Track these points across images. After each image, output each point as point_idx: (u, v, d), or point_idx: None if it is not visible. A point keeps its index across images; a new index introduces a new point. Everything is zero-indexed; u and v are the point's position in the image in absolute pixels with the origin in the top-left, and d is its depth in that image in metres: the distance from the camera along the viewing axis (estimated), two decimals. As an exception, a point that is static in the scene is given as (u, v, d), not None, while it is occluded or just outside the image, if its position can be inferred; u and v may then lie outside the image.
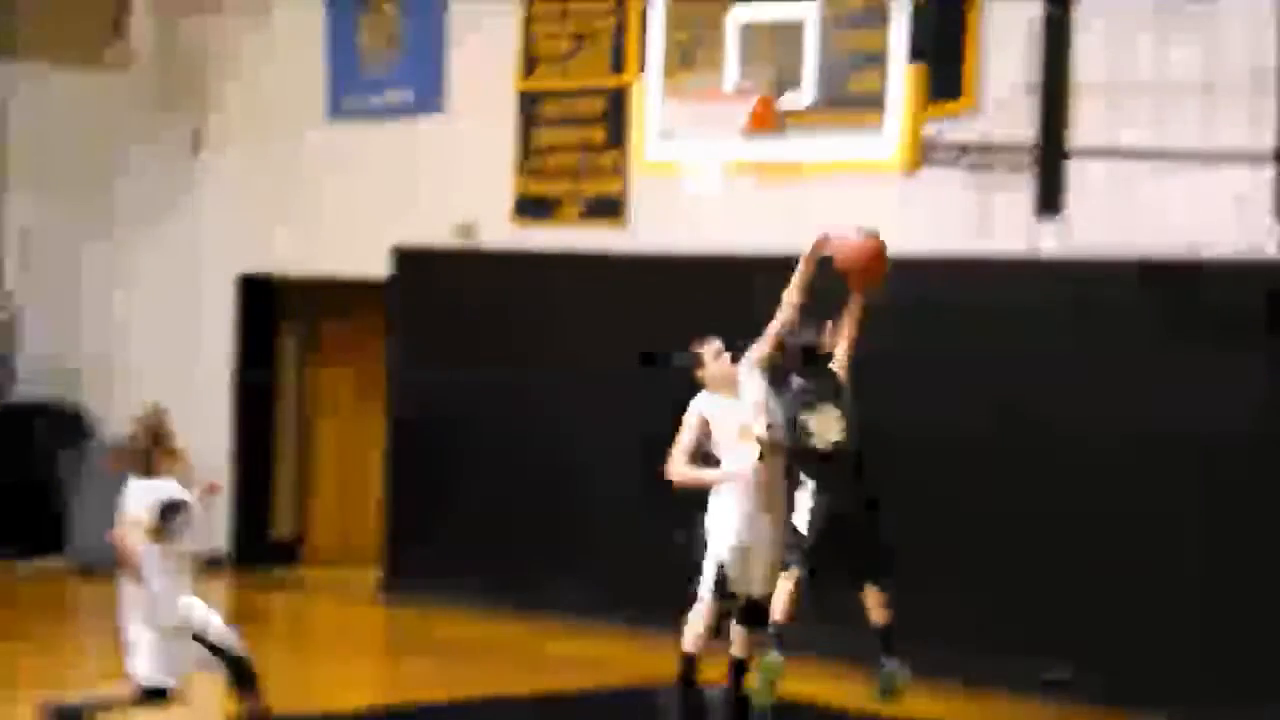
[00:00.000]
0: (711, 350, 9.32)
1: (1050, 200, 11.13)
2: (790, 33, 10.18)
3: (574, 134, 13.31)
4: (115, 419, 15.76)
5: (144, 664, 8.38)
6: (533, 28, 13.52)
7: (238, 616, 14.13)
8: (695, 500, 9.31)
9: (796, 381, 9.18)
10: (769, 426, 9.05)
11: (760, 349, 9.14)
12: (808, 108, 10.18)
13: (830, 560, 9.00)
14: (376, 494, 14.48)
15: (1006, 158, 10.82)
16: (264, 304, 15.38)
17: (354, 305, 15.22)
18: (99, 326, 16.02)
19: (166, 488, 8.42)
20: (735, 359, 9.23)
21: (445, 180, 13.97)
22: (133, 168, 15.81)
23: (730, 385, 9.18)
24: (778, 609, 8.98)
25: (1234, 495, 10.37)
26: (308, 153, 14.84)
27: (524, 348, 13.46)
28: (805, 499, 9.06)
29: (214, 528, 15.28)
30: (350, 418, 15.50)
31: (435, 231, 13.94)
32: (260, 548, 15.32)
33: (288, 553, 15.45)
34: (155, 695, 8.34)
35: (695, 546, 9.26)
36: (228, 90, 15.33)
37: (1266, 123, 10.35)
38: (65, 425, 15.53)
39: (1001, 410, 11.17)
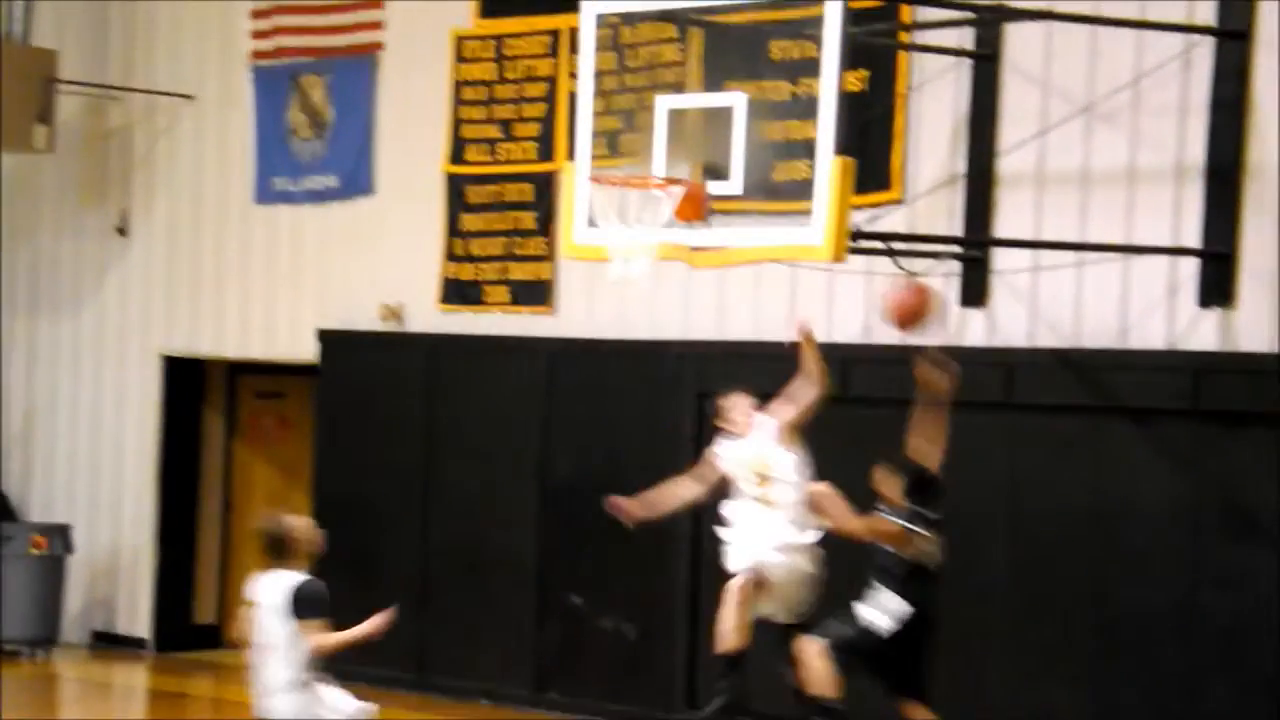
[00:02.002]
0: (743, 405, 10.00)
1: (975, 288, 11.25)
2: (718, 121, 10.24)
3: (502, 219, 13.33)
4: (37, 501, 15.62)
5: None
6: (461, 112, 13.56)
7: (158, 701, 14.08)
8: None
9: (909, 500, 9.40)
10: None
11: (789, 415, 9.80)
12: (735, 196, 10.24)
13: (884, 666, 9.19)
14: (301, 578, 14.34)
15: (931, 246, 10.92)
16: (189, 385, 15.28)
17: (280, 387, 15.15)
18: (20, 408, 15.88)
19: (299, 581, 8.29)
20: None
21: (373, 263, 13.96)
22: (60, 249, 15.72)
23: (743, 428, 9.99)
24: (821, 684, 9.20)
25: (1158, 578, 10.39)
26: (235, 235, 14.80)
27: (449, 431, 13.43)
28: (889, 601, 9.20)
29: (136, 611, 15.16)
30: (274, 500, 15.39)
31: (362, 315, 13.92)
32: (182, 632, 15.16)
33: (210, 637, 15.28)
34: None
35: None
36: (156, 172, 15.28)
37: (1190, 214, 10.49)
38: (-16, 507, 15.38)
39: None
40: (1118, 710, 10.49)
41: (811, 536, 9.80)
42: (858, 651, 9.25)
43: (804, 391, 9.85)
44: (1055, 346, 10.91)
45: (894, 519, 9.33)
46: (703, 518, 12.13)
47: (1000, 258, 11.10)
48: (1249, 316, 10.36)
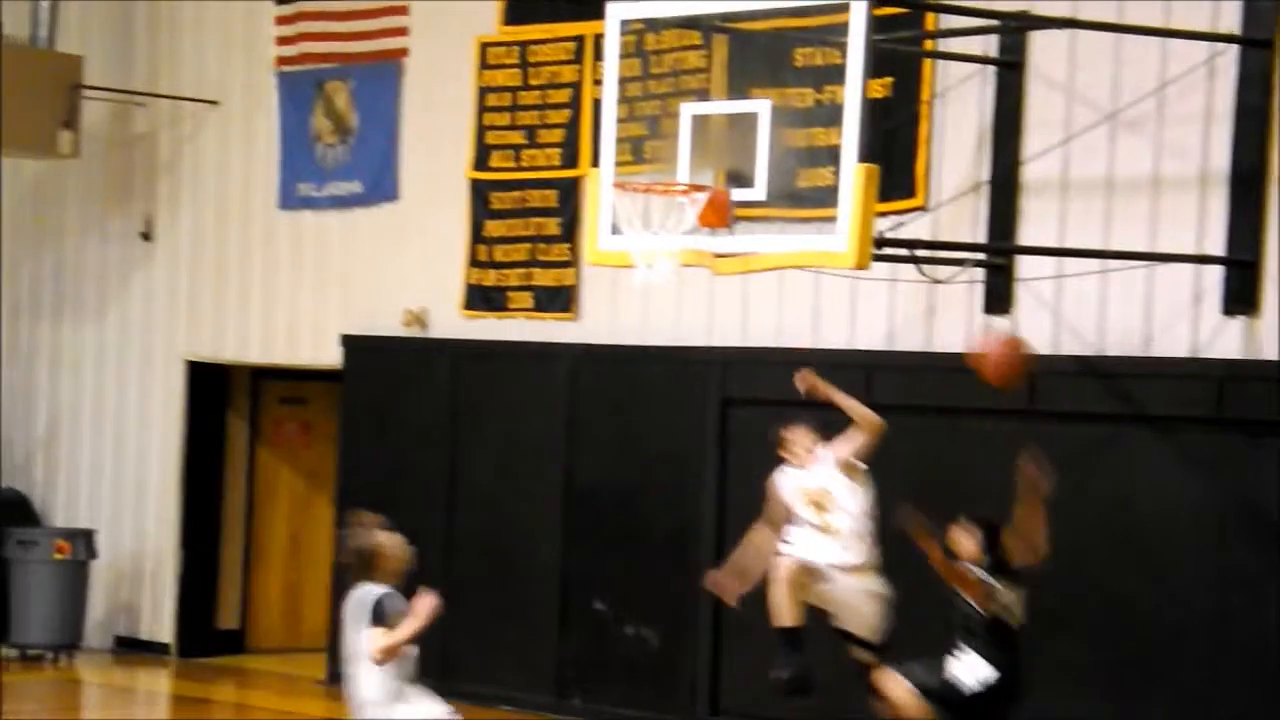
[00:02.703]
0: (806, 437, 9.98)
1: (999, 296, 11.23)
2: (742, 128, 10.24)
3: (525, 225, 13.35)
4: (61, 506, 15.67)
5: None
6: (485, 119, 13.58)
7: (180, 707, 14.11)
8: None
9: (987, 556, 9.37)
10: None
11: (847, 450, 9.88)
12: (759, 202, 10.24)
13: None
14: (324, 583, 14.39)
15: (956, 254, 10.92)
16: (213, 390, 15.32)
17: (303, 393, 15.19)
18: (45, 413, 15.93)
19: (380, 593, 8.34)
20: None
21: (397, 269, 13.98)
22: (84, 254, 15.78)
23: (805, 459, 10.00)
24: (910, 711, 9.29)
25: (1183, 587, 10.38)
26: (259, 240, 14.84)
27: (473, 437, 13.45)
28: (977, 665, 9.21)
29: (159, 616, 15.19)
30: (298, 506, 15.44)
31: (386, 320, 13.94)
32: (205, 637, 15.18)
33: (233, 642, 15.31)
34: None
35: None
36: (181, 177, 15.33)
37: (1215, 221, 10.47)
38: (9, 512, 15.40)
39: (949, 501, 11.20)
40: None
41: (867, 559, 9.82)
42: (939, 703, 9.21)
43: (857, 432, 9.94)
44: (1079, 354, 10.89)
45: (974, 571, 9.27)
46: (726, 524, 12.15)
47: (1024, 265, 11.09)
48: (1273, 324, 10.34)
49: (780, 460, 10.10)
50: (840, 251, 10.29)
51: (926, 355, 11.45)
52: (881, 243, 10.19)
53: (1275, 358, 10.31)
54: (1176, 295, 10.63)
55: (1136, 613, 10.38)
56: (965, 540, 9.41)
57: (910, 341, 11.54)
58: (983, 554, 9.33)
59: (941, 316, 11.42)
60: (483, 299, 13.57)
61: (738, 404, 12.23)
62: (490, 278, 13.54)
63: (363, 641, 8.23)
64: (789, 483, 10.04)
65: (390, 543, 8.44)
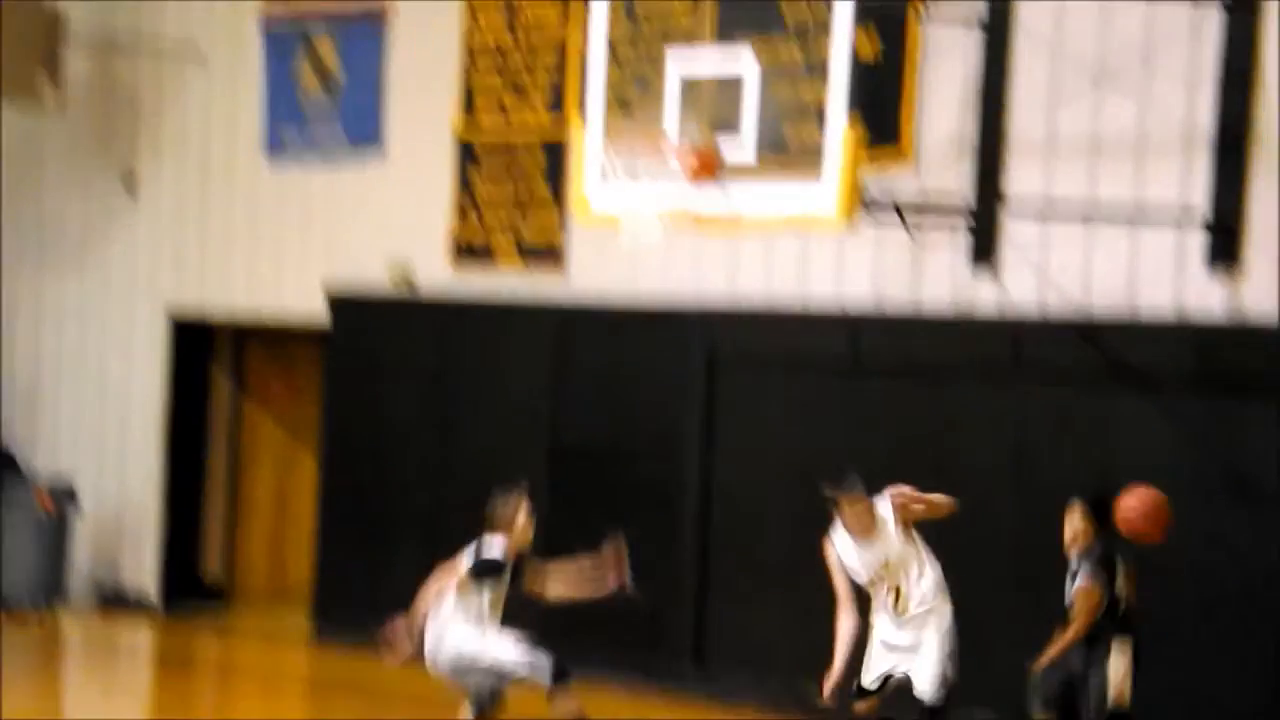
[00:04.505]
0: (852, 500, 9.13)
1: (984, 255, 11.28)
2: (730, 84, 10.25)
3: (513, 181, 13.34)
4: (44, 460, 15.66)
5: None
6: (472, 74, 13.56)
7: (164, 659, 14.13)
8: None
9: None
10: None
11: (902, 509, 9.15)
12: (746, 159, 10.25)
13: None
14: (307, 536, 14.42)
15: (942, 212, 10.95)
16: (197, 344, 15.31)
17: (288, 346, 15.18)
18: (27, 367, 15.91)
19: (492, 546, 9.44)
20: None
21: (382, 223, 13.97)
22: (66, 207, 15.74)
23: (866, 530, 9.12)
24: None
25: (1169, 544, 10.41)
26: (243, 195, 14.81)
27: (459, 394, 13.47)
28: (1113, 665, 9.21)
29: (142, 569, 15.21)
30: (282, 459, 15.44)
31: (371, 274, 13.94)
32: (189, 589, 15.22)
33: (217, 595, 15.35)
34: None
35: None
36: (164, 131, 15.28)
37: (1198, 182, 10.52)
38: (-8, 466, 15.41)
39: (935, 460, 11.27)
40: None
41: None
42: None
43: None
44: (1063, 313, 10.94)
45: (1089, 578, 9.17)
46: (712, 483, 12.20)
47: (1010, 223, 11.13)
48: (1256, 285, 10.40)
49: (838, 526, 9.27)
50: (827, 209, 10.36)
51: (913, 314, 11.49)
52: (868, 200, 10.23)
53: (1257, 318, 10.37)
54: (1160, 255, 10.69)
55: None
56: (1081, 524, 9.28)
57: (897, 300, 11.58)
58: (1096, 537, 9.28)
59: (928, 275, 11.46)
60: (469, 255, 13.57)
61: (725, 362, 12.26)
62: (477, 234, 13.54)
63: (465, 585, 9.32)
64: (857, 563, 9.16)
65: (524, 522, 9.45)
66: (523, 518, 9.47)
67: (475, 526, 13.18)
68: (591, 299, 12.88)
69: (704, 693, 12.09)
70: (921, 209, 10.90)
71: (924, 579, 9.13)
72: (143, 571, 15.22)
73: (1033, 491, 10.89)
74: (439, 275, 13.69)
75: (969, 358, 11.19)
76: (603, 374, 12.84)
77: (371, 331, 13.96)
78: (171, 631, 14.49)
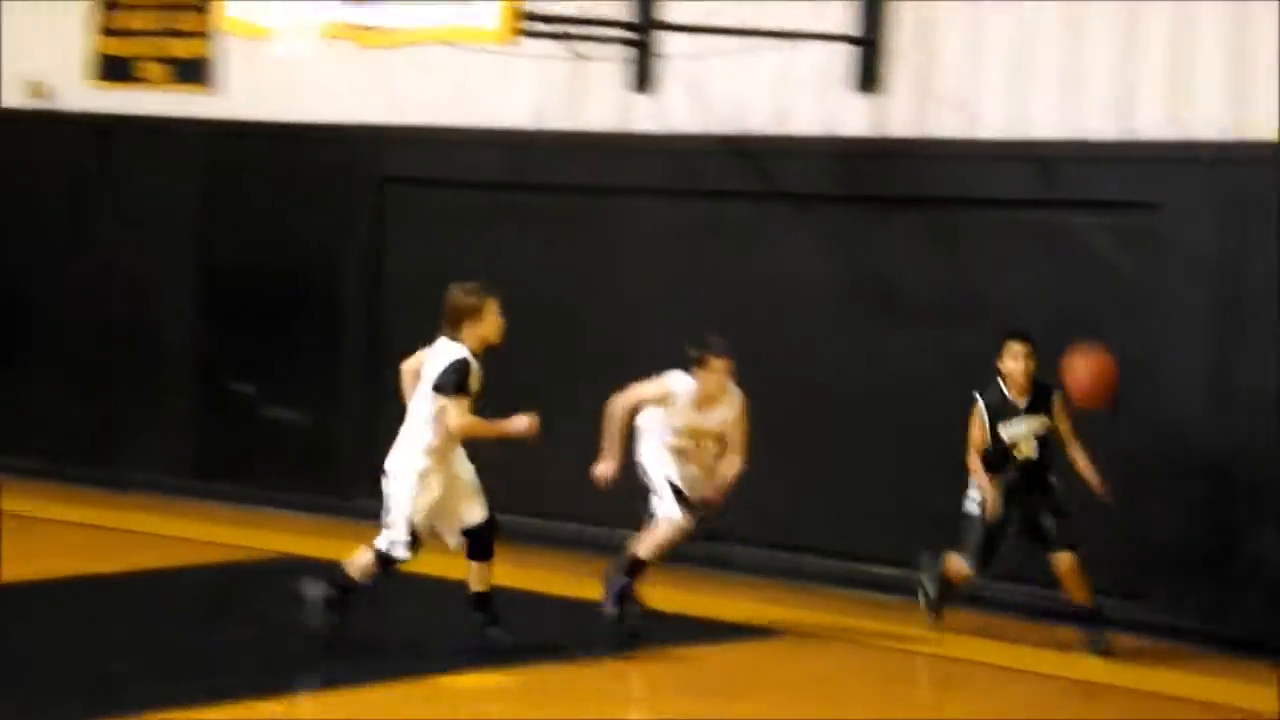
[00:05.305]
0: (724, 360, 9.19)
1: (644, 75, 11.43)
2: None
3: (156, -10, 12.93)
4: None
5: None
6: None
7: None
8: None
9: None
10: None
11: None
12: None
13: None
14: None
15: (603, 32, 11.03)
16: None
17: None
18: None
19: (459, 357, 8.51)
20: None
21: (14, 35, 13.37)
22: None
23: (719, 393, 9.18)
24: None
25: (825, 355, 10.86)
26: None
27: (103, 215, 13.11)
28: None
29: None
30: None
31: (4, 91, 13.39)
32: None
33: None
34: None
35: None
36: None
37: (843, 3, 10.80)
38: None
39: (596, 278, 11.49)
40: (784, 473, 10.87)
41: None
42: None
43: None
44: (720, 133, 11.17)
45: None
46: (383, 305, 12.17)
47: (670, 44, 11.26)
48: (898, 102, 10.76)
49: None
50: (487, 26, 10.35)
51: (575, 134, 11.59)
52: (529, 17, 10.25)
53: (900, 134, 10.76)
54: (808, 75, 10.96)
55: (786, 378, 10.81)
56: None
57: (559, 121, 11.66)
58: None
59: (590, 95, 11.56)
60: (112, 70, 13.11)
61: (389, 182, 12.19)
62: (120, 47, 13.09)
63: (428, 400, 8.49)
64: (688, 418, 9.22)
65: (492, 310, 8.52)
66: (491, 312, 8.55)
67: (125, 351, 13.01)
68: (246, 116, 12.61)
69: (375, 518, 12.10)
70: (583, 28, 10.96)
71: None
72: None
73: (690, 305, 11.19)
74: (80, 90, 13.21)
75: (629, 176, 11.37)
76: (260, 195, 12.63)
77: (6, 149, 13.43)
78: None
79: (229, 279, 12.71)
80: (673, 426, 9.24)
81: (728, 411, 9.26)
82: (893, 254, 10.71)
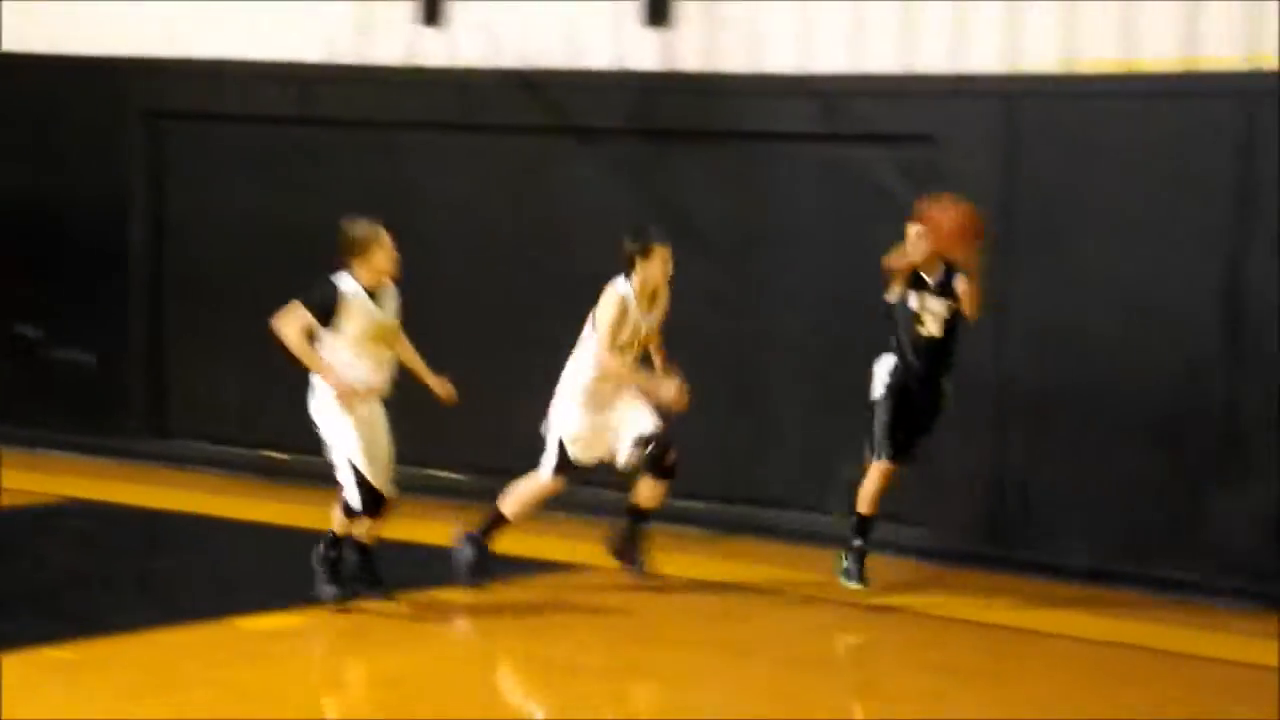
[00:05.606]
0: (666, 248, 9.05)
1: (432, 12, 11.37)
2: None
3: None
4: None
5: None
6: None
7: None
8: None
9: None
10: None
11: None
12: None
13: None
14: None
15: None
16: None
17: None
18: None
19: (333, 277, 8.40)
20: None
21: None
22: None
23: (664, 284, 9.10)
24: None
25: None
26: None
27: None
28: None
29: None
30: None
31: None
32: None
33: None
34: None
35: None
36: None
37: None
38: None
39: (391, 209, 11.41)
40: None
41: None
42: None
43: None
44: (511, 67, 11.16)
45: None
46: (163, 241, 12.02)
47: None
48: (688, 36, 10.83)
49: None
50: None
51: (364, 69, 11.50)
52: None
53: (689, 69, 10.83)
54: (600, 9, 10.98)
55: (580, 310, 10.80)
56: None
57: (349, 55, 11.56)
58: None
59: (379, 30, 11.48)
60: None
61: (166, 117, 12.01)
62: None
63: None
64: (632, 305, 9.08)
65: (383, 243, 8.34)
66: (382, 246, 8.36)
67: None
68: (15, 49, 12.30)
69: (163, 459, 12.01)
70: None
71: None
72: None
73: (483, 239, 11.19)
74: None
75: (418, 111, 11.32)
76: (29, 129, 12.34)
77: None
78: None
79: (3, 219, 12.43)
80: (621, 340, 9.02)
81: (662, 304, 9.14)
82: (682, 187, 10.79)
